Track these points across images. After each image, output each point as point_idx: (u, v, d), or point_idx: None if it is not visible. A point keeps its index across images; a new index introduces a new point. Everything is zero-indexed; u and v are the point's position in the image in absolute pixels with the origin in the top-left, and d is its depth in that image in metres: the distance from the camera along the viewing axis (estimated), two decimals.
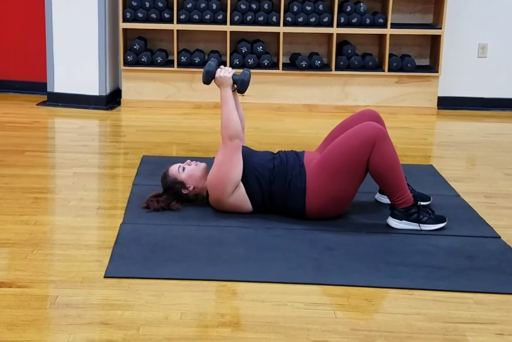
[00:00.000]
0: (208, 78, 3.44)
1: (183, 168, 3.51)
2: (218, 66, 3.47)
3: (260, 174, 3.39)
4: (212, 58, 3.53)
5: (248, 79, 3.43)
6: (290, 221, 3.41)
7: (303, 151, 3.53)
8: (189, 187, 3.50)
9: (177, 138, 5.00)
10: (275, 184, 3.39)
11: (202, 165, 3.54)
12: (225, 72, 3.42)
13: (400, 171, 3.32)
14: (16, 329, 2.42)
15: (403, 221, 3.35)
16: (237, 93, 3.54)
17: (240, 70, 3.53)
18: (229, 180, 3.35)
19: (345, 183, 3.31)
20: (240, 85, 3.45)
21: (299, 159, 3.43)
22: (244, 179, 3.38)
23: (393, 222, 3.37)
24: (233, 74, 3.44)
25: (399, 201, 3.33)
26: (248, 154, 3.46)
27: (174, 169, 3.53)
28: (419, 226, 3.34)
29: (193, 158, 3.66)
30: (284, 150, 3.57)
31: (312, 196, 3.34)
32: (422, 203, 3.40)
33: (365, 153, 3.26)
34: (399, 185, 3.32)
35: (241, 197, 3.41)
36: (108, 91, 5.87)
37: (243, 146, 3.46)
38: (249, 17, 5.78)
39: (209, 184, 3.43)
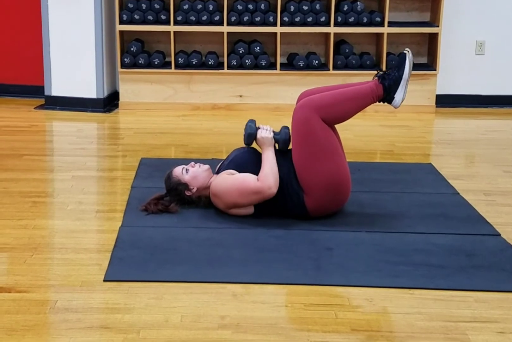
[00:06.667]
0: (250, 140, 3.51)
1: (187, 170, 3.51)
2: (256, 126, 3.51)
3: None
4: (250, 120, 3.56)
5: (289, 138, 3.47)
6: (289, 221, 3.40)
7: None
8: (193, 188, 3.49)
9: (176, 140, 5.00)
10: None
11: (205, 167, 3.54)
12: (266, 133, 3.47)
13: (346, 96, 3.36)
14: (16, 335, 2.41)
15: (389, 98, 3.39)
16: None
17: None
18: (235, 207, 3.40)
19: (330, 164, 3.31)
20: (283, 145, 3.50)
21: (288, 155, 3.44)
22: None
23: (395, 102, 3.40)
24: (274, 133, 3.48)
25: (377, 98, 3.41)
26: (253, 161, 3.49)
27: (178, 171, 3.53)
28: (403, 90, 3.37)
29: (191, 160, 3.65)
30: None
31: (308, 189, 3.33)
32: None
33: (320, 128, 3.31)
34: (357, 96, 3.36)
35: (244, 209, 3.42)
36: (105, 94, 5.87)
37: (256, 151, 3.52)
38: (246, 18, 5.78)
39: (216, 194, 3.41)
